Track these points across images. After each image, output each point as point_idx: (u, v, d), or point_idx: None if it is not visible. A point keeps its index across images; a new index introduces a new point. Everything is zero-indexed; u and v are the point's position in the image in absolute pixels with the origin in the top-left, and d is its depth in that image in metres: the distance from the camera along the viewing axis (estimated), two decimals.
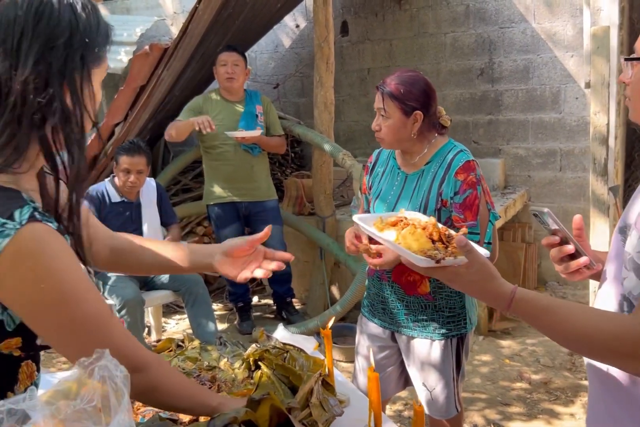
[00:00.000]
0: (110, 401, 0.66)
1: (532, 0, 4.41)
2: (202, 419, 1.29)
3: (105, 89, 5.70)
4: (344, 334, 3.48)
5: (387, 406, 2.88)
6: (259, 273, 1.27)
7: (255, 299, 4.46)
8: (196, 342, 1.68)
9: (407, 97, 1.80)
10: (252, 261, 1.30)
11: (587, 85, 3.61)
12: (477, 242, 1.82)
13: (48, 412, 0.65)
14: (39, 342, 0.95)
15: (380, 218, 1.24)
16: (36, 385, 1.03)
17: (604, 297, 1.13)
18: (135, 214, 3.35)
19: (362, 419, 1.31)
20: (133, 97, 4.01)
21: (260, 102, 3.82)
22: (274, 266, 1.28)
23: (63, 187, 0.95)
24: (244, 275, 1.27)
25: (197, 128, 3.44)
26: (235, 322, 4.02)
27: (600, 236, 2.88)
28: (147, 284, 3.40)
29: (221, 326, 3.93)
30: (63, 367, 3.43)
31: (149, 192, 3.42)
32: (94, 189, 3.34)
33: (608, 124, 2.77)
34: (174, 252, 1.30)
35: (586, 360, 1.17)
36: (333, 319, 1.64)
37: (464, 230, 1.16)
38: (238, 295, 3.98)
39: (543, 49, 4.43)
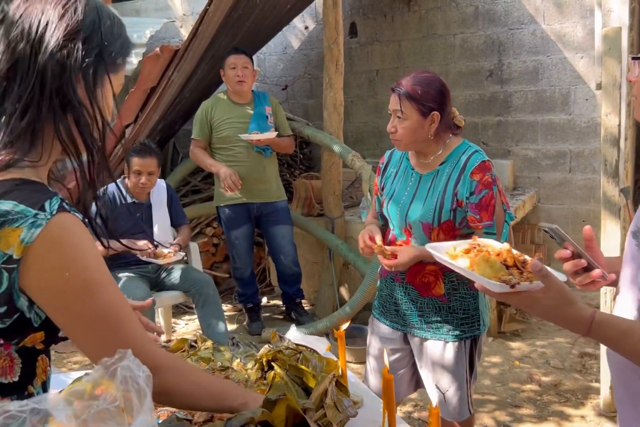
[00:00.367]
0: (132, 401, 0.67)
1: (541, 2, 4.40)
2: (217, 420, 1.30)
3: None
4: (353, 335, 3.48)
5: (397, 408, 2.89)
6: None
7: (264, 300, 4.46)
8: (209, 343, 1.69)
9: (424, 98, 1.79)
10: None
11: (598, 86, 3.60)
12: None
13: (71, 412, 0.66)
14: (60, 334, 0.97)
15: (453, 246, 1.24)
16: (48, 380, 1.05)
17: (622, 303, 1.13)
18: (145, 215, 3.37)
19: (375, 420, 1.32)
20: (143, 99, 4.03)
21: (269, 103, 3.83)
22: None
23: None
24: None
25: (224, 188, 3.59)
26: (245, 323, 4.03)
27: (611, 238, 2.87)
28: (158, 285, 3.41)
29: (230, 327, 3.94)
30: (74, 367, 3.45)
31: (159, 193, 3.44)
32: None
33: (619, 126, 2.76)
34: None
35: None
36: (348, 322, 1.65)
37: (538, 255, 1.15)
38: (247, 296, 3.99)
39: (553, 50, 4.42)
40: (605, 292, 2.74)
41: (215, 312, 3.30)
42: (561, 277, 1.07)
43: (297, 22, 5.29)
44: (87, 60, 0.90)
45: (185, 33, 5.49)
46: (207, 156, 3.74)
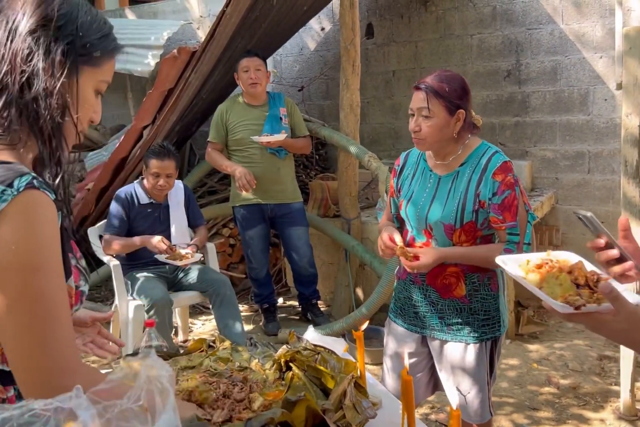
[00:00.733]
0: (155, 400, 0.67)
1: (560, 1, 4.36)
2: (235, 420, 1.30)
3: (133, 92, 5.80)
4: (369, 337, 3.47)
5: (415, 410, 2.87)
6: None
7: (280, 301, 4.47)
8: (227, 343, 1.69)
9: (452, 95, 1.78)
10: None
11: (619, 86, 3.57)
12: (517, 244, 1.81)
13: (95, 411, 0.66)
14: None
15: (527, 260, 1.22)
16: None
17: None
18: (163, 216, 3.39)
19: (394, 422, 1.31)
20: (161, 100, 4.05)
21: (283, 105, 3.84)
22: (109, 348, 1.37)
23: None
24: None
25: (238, 188, 3.65)
26: (261, 324, 4.03)
27: None
28: (175, 285, 3.43)
29: (247, 327, 3.95)
30: (93, 366, 3.47)
31: (176, 194, 3.45)
32: (122, 190, 3.38)
33: None
34: None
35: None
36: (366, 323, 1.64)
37: (608, 276, 1.10)
38: (263, 296, 4.00)
39: (571, 50, 4.38)
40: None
41: (232, 313, 3.31)
42: (633, 299, 1.02)
43: (314, 23, 5.29)
44: (55, 45, 0.94)
45: (202, 35, 5.52)
46: (223, 158, 3.77)
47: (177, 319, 3.75)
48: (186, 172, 5.10)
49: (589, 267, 1.14)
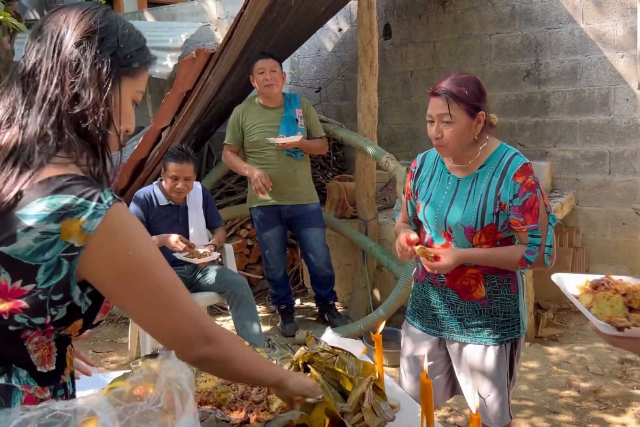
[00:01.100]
0: (175, 402, 0.67)
1: (580, 0, 4.31)
2: (253, 420, 1.30)
3: (151, 94, 5.83)
4: (387, 339, 3.45)
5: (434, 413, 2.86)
6: None
7: (297, 302, 4.47)
8: (246, 344, 1.70)
9: (471, 98, 1.77)
10: None
11: None
12: (539, 246, 1.79)
13: (115, 413, 0.66)
14: (94, 322, 1.03)
15: (586, 280, 1.20)
16: (74, 371, 1.10)
17: None
18: (182, 217, 3.40)
19: (413, 425, 1.31)
20: (179, 102, 4.07)
21: (299, 106, 3.84)
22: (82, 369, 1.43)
23: None
24: None
25: (255, 191, 3.67)
26: (278, 325, 4.04)
27: None
28: (193, 286, 3.44)
29: (264, 328, 3.95)
30: (111, 367, 3.50)
31: (195, 195, 3.47)
32: (141, 192, 3.40)
33: None
34: None
35: None
36: (383, 324, 1.63)
37: None
38: (280, 297, 4.00)
39: (592, 50, 4.33)
40: None
41: (250, 314, 3.31)
42: None
43: (331, 24, 5.29)
44: (100, 56, 0.99)
45: (220, 36, 5.54)
46: (239, 160, 3.78)
47: None
48: (204, 173, 5.12)
49: None
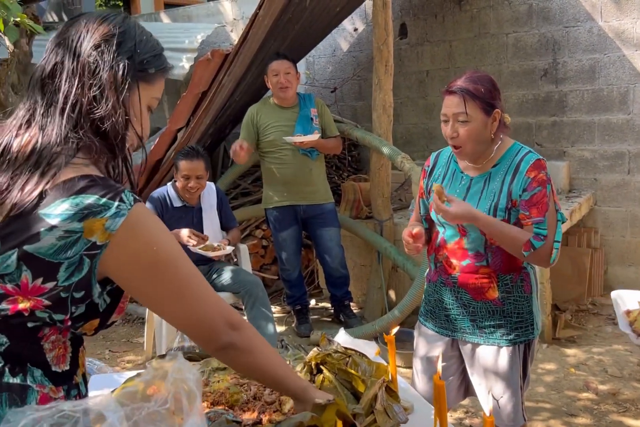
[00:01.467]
0: (182, 403, 0.66)
1: None
2: (265, 421, 1.29)
3: (167, 95, 5.86)
4: (402, 340, 3.43)
5: (448, 414, 2.83)
6: None
7: (312, 302, 4.47)
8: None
9: (487, 95, 1.75)
10: None
11: None
12: (545, 237, 1.75)
13: (123, 413, 0.66)
14: (108, 322, 1.05)
15: None
16: (86, 373, 1.11)
17: None
18: (196, 219, 3.41)
19: None
20: (195, 103, 4.09)
21: (314, 105, 3.84)
22: None
23: None
24: None
25: (232, 156, 3.60)
26: (293, 325, 4.03)
27: None
28: None
29: (279, 329, 3.95)
30: (127, 366, 3.52)
31: (209, 196, 3.47)
32: (156, 192, 3.42)
33: None
34: None
35: None
36: (397, 326, 1.62)
37: None
38: (296, 298, 4.00)
39: (610, 48, 4.28)
40: None
41: (265, 314, 3.31)
42: None
43: (346, 24, 5.28)
44: (118, 59, 1.01)
45: (235, 37, 5.55)
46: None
47: None
48: (220, 174, 5.13)
49: None
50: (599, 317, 4.06)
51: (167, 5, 12.14)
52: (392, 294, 4.20)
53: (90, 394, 1.28)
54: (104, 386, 1.53)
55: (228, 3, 5.76)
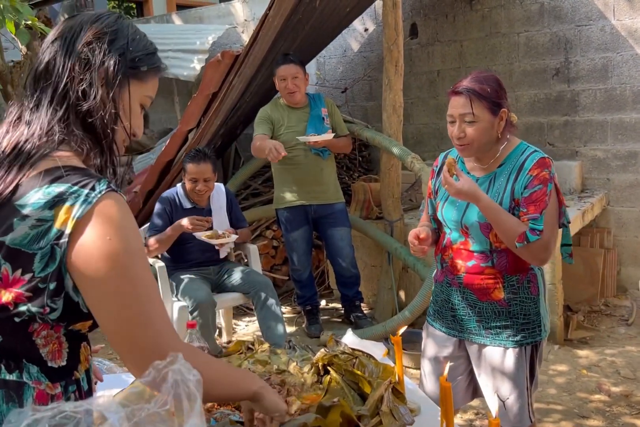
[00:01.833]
0: (183, 405, 0.67)
1: None
2: (271, 422, 1.29)
3: (179, 96, 5.89)
4: (413, 340, 3.42)
5: (458, 415, 2.82)
6: None
7: (323, 303, 4.46)
8: (266, 346, 1.70)
9: (493, 95, 1.75)
10: None
11: None
12: (541, 232, 1.72)
13: (123, 414, 0.66)
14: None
15: None
16: (90, 369, 1.10)
17: None
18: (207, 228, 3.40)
19: None
20: (205, 104, 4.10)
21: (324, 105, 3.84)
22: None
23: None
24: None
25: (267, 156, 3.37)
26: (304, 326, 4.04)
27: None
28: (218, 287, 3.46)
29: (289, 329, 3.95)
30: None
31: (219, 197, 3.48)
32: (166, 193, 3.43)
33: None
34: None
35: None
36: (404, 327, 1.62)
37: None
38: (306, 298, 4.00)
39: (623, 47, 4.24)
40: None
41: (275, 314, 3.31)
42: None
43: (357, 24, 5.27)
44: (109, 55, 1.03)
45: (246, 38, 5.56)
46: (261, 140, 3.56)
47: (221, 320, 3.79)
48: (231, 174, 5.15)
49: None
50: (612, 318, 4.02)
51: (180, 7, 12.20)
52: (402, 294, 4.19)
53: (99, 394, 1.29)
54: (113, 386, 1.54)
55: (239, 4, 5.78)
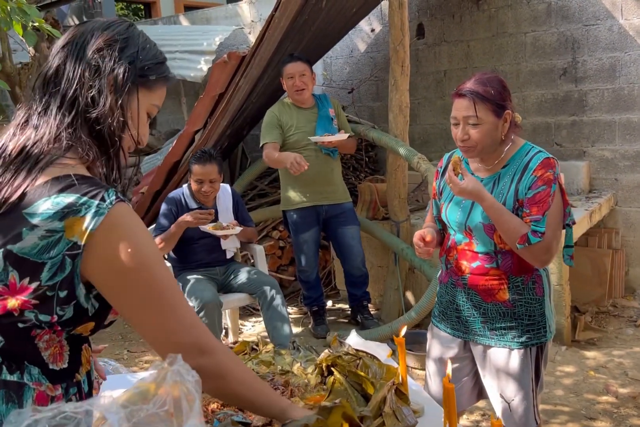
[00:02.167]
0: (182, 405, 0.67)
1: None
2: (276, 425, 1.29)
3: (186, 97, 5.91)
4: (419, 341, 3.41)
5: (465, 416, 2.81)
6: None
7: (329, 303, 4.46)
8: (270, 346, 1.70)
9: (497, 97, 1.75)
10: None
11: None
12: (543, 234, 1.72)
13: (123, 415, 0.67)
14: (106, 322, 1.04)
15: None
16: (92, 371, 1.11)
17: None
18: (212, 221, 3.42)
19: None
20: (212, 105, 4.11)
21: (331, 105, 3.84)
22: None
23: None
24: None
25: (290, 169, 3.38)
26: (310, 326, 4.04)
27: None
28: (225, 287, 3.47)
29: (296, 330, 3.96)
30: (145, 367, 3.55)
31: (225, 198, 3.49)
32: (173, 194, 3.44)
33: None
34: None
35: None
36: (405, 327, 1.61)
37: None
38: (313, 299, 4.00)
39: (631, 46, 4.22)
40: None
41: (281, 315, 3.32)
42: None
43: (364, 24, 5.27)
44: (119, 63, 1.04)
45: (253, 39, 5.57)
46: (276, 152, 3.60)
47: (227, 321, 3.80)
48: (238, 175, 5.15)
49: None
50: (620, 319, 4.00)
51: (187, 8, 12.22)
52: (409, 295, 4.19)
53: (104, 394, 1.29)
54: (118, 387, 1.55)
55: (246, 5, 5.79)
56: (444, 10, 4.95)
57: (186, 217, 3.20)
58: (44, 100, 1.03)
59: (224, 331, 3.58)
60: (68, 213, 0.93)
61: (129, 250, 0.94)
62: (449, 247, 1.94)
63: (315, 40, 4.23)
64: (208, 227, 3.23)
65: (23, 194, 0.95)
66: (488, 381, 1.92)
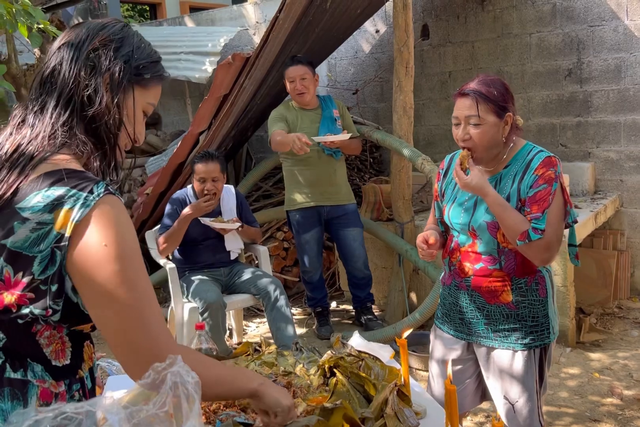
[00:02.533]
0: (181, 406, 0.67)
1: None
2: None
3: (190, 99, 5.92)
4: (423, 342, 3.42)
5: (469, 418, 2.81)
6: None
7: (333, 305, 4.46)
8: (273, 347, 1.70)
9: (500, 98, 1.75)
10: None
11: None
12: (543, 231, 1.71)
13: (123, 415, 0.67)
14: None
15: None
16: (94, 367, 1.12)
17: None
18: (212, 217, 3.42)
19: None
20: (216, 106, 4.12)
21: (335, 106, 3.85)
22: None
23: None
24: None
25: (293, 149, 3.37)
26: (314, 327, 4.04)
27: None
28: (229, 288, 3.47)
29: (300, 331, 3.96)
30: None
31: (229, 199, 3.50)
32: (177, 194, 3.45)
33: None
34: None
35: None
36: (410, 330, 1.61)
37: None
38: (317, 300, 4.00)
39: (637, 47, 4.20)
40: None
41: (284, 316, 3.32)
42: None
43: (368, 25, 5.27)
44: (115, 62, 1.06)
45: (258, 41, 5.58)
46: (282, 135, 3.55)
47: (231, 322, 3.80)
48: (243, 176, 5.16)
49: None
50: (625, 321, 3.98)
51: (192, 9, 12.25)
52: (413, 296, 4.18)
53: (107, 395, 1.30)
54: (121, 387, 1.55)
55: (251, 6, 5.80)
56: (448, 11, 4.95)
57: (185, 209, 3.24)
58: (40, 99, 1.05)
59: (228, 331, 3.59)
60: (57, 205, 0.95)
61: (105, 242, 0.94)
62: (452, 249, 1.94)
63: (319, 41, 4.23)
64: (208, 221, 3.25)
65: (16, 190, 0.96)
66: (492, 383, 1.91)
